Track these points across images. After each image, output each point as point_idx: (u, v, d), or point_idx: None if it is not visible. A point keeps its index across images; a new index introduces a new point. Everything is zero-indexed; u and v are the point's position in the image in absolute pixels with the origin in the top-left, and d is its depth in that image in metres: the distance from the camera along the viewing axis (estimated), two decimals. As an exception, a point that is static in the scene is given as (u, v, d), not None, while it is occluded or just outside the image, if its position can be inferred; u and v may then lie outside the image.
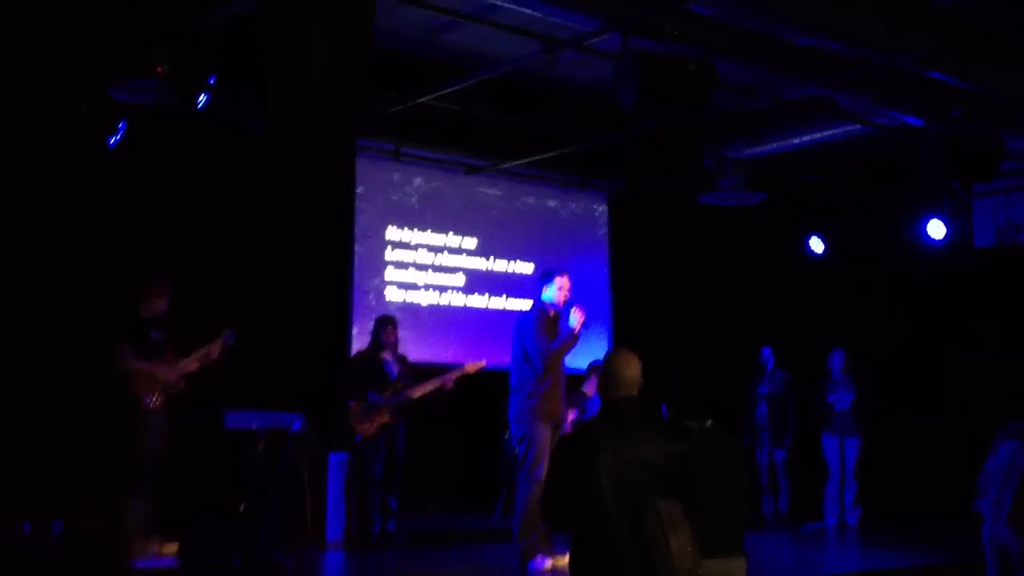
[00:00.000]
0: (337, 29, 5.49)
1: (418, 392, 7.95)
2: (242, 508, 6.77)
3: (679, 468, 3.89)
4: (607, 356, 4.23)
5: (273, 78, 5.58)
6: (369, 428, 7.77)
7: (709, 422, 4.46)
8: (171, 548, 6.91)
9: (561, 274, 6.93)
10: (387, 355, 8.07)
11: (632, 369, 4.08)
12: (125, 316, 7.01)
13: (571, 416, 8.12)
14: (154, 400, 6.87)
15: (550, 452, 4.20)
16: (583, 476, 3.79)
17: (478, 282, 10.37)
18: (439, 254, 10.18)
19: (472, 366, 8.12)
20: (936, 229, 9.74)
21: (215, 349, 7.16)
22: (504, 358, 7.38)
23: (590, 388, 8.66)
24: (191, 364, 7.11)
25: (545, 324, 6.78)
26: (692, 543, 3.78)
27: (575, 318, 6.68)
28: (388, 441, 7.86)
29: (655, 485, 3.81)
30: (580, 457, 3.84)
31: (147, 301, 7.04)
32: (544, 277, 6.97)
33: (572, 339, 6.68)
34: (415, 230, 10.04)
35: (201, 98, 6.13)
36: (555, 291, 6.86)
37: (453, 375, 8.03)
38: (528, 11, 6.47)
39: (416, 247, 10.05)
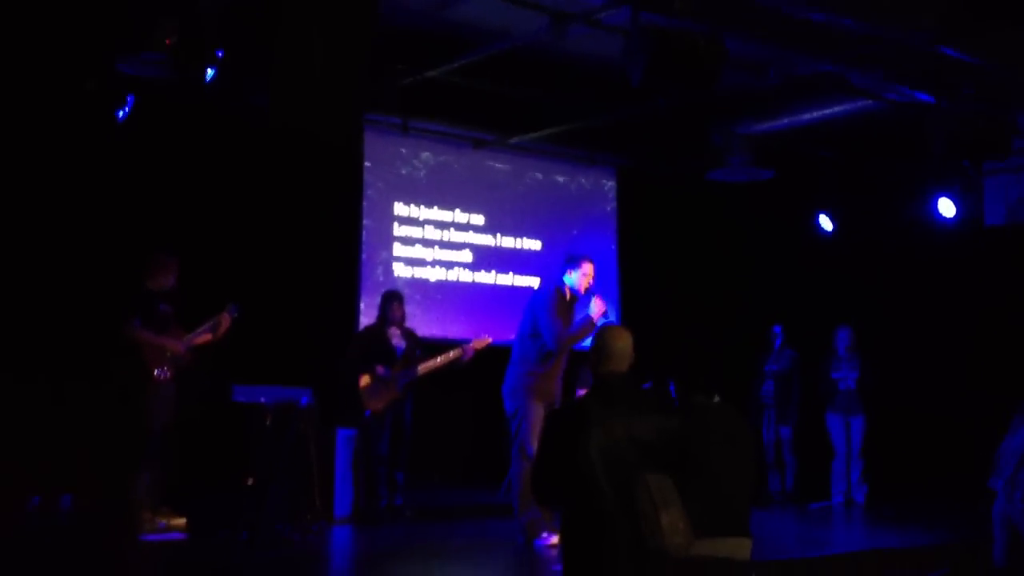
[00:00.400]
0: (341, 12, 5.46)
1: (427, 367, 7.96)
2: (250, 482, 6.81)
3: (671, 444, 3.88)
4: (599, 331, 4.20)
5: (276, 66, 5.56)
6: (378, 404, 7.79)
7: (716, 398, 4.44)
8: (179, 522, 6.94)
9: (588, 261, 6.88)
10: (394, 330, 8.08)
11: (622, 342, 4.06)
12: (134, 289, 7.01)
13: (580, 394, 8.12)
14: (163, 372, 6.89)
15: (541, 428, 4.19)
16: (573, 452, 3.77)
17: (485, 258, 10.36)
18: (446, 230, 10.16)
19: (479, 342, 8.13)
20: (946, 207, 9.70)
21: (224, 319, 7.15)
22: (510, 334, 7.37)
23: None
24: (201, 336, 7.12)
25: (561, 306, 6.73)
26: (684, 519, 3.76)
27: (595, 307, 6.63)
28: (395, 416, 7.88)
29: (646, 461, 3.79)
30: (570, 433, 3.82)
31: (155, 275, 7.04)
32: (570, 261, 6.91)
33: (589, 327, 6.61)
34: (422, 206, 10.03)
35: (208, 72, 6.11)
36: (579, 276, 6.81)
37: (460, 351, 8.03)
38: (537, -16, 6.43)
39: (423, 223, 10.04)
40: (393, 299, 8.15)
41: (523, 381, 6.70)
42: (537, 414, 6.58)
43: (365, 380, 7.81)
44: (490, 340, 8.20)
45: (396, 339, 8.05)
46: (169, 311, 7.06)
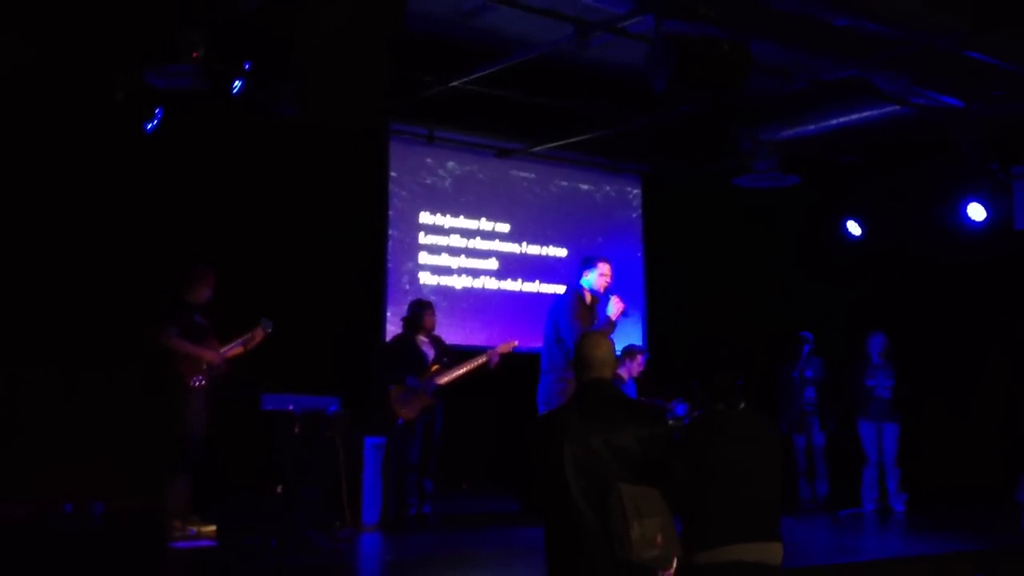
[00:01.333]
0: (369, 15, 5.50)
1: (456, 374, 7.98)
2: (279, 490, 6.84)
3: (651, 452, 3.80)
4: (578, 340, 4.15)
5: (306, 65, 5.61)
6: (410, 412, 7.81)
7: (741, 405, 4.42)
8: (209, 529, 6.98)
9: (604, 261, 6.91)
10: (422, 338, 8.10)
11: (601, 349, 3.99)
12: (170, 299, 7.08)
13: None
14: (199, 381, 6.94)
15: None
16: (551, 461, 3.73)
17: (511, 266, 10.38)
18: (472, 239, 10.19)
19: (505, 346, 8.14)
20: (976, 211, 9.61)
21: (258, 334, 7.22)
22: (537, 341, 7.37)
23: (625, 372, 8.66)
24: (235, 349, 7.18)
25: (580, 309, 6.76)
26: (664, 531, 3.67)
27: (614, 307, 6.65)
28: (426, 424, 7.89)
29: (625, 470, 3.72)
30: (547, 443, 3.78)
31: (193, 287, 7.11)
32: (586, 263, 6.95)
33: (610, 327, 6.65)
34: (448, 215, 10.06)
35: (236, 84, 6.17)
36: (596, 277, 6.84)
37: (487, 357, 8.04)
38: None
39: (449, 232, 10.07)
40: (426, 307, 8.16)
41: (555, 388, 6.71)
42: None
43: (396, 389, 7.83)
44: (516, 343, 8.21)
45: (425, 347, 8.08)
46: (205, 323, 7.13)
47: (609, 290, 6.81)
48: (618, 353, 8.82)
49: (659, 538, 3.66)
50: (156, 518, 6.93)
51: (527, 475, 3.91)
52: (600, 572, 3.68)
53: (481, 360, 8.04)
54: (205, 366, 7.01)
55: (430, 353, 8.06)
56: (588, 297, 6.84)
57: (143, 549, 6.69)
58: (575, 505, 3.70)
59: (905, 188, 10.27)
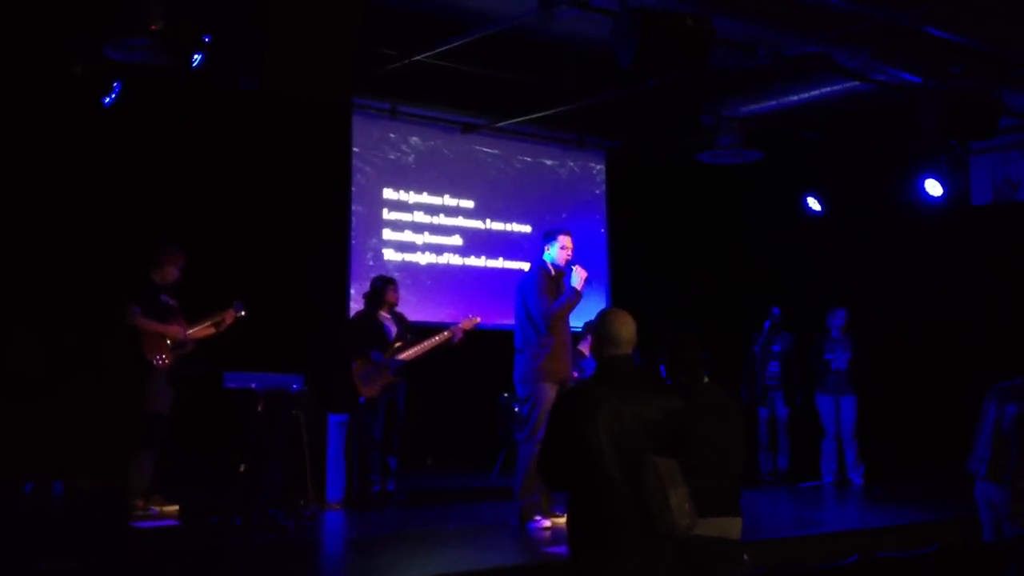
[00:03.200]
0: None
1: (419, 350, 7.96)
2: (242, 468, 6.80)
3: (675, 425, 3.90)
4: (602, 315, 4.20)
5: (268, 37, 5.54)
6: (373, 389, 7.79)
7: (705, 379, 4.46)
8: (171, 509, 6.95)
9: (564, 233, 6.92)
10: (385, 314, 8.07)
11: (628, 328, 4.08)
12: (136, 278, 7.02)
13: (575, 375, 8.13)
14: (162, 360, 6.89)
15: (549, 412, 4.19)
16: (582, 435, 3.79)
17: (475, 243, 10.36)
18: (436, 215, 10.16)
19: (467, 322, 8.13)
20: (933, 187, 9.72)
21: (229, 315, 7.19)
22: (502, 318, 7.38)
23: (586, 347, 8.68)
24: (205, 330, 7.14)
25: (547, 284, 6.76)
26: (689, 500, 3.80)
27: (577, 277, 6.68)
28: (388, 402, 7.88)
29: (652, 442, 3.82)
30: (579, 417, 3.84)
31: (160, 268, 7.06)
32: (547, 237, 6.96)
33: (575, 298, 6.68)
34: (411, 192, 10.02)
35: (196, 57, 6.08)
36: (557, 250, 6.85)
37: (450, 333, 8.03)
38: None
39: (413, 208, 10.03)
40: (388, 283, 8.13)
41: (531, 365, 6.71)
42: (549, 397, 6.59)
43: (359, 365, 7.80)
44: (479, 320, 8.21)
45: (388, 323, 8.05)
46: (172, 303, 7.08)
47: (571, 262, 6.82)
48: (579, 328, 8.91)
49: (687, 506, 3.77)
50: (117, 497, 6.88)
51: (554, 448, 3.95)
52: (634, 541, 3.76)
53: (444, 336, 8.03)
54: (169, 344, 6.96)
55: (393, 329, 8.03)
56: (553, 271, 6.85)
57: (104, 529, 6.64)
58: (608, 476, 3.76)
59: (864, 164, 10.37)
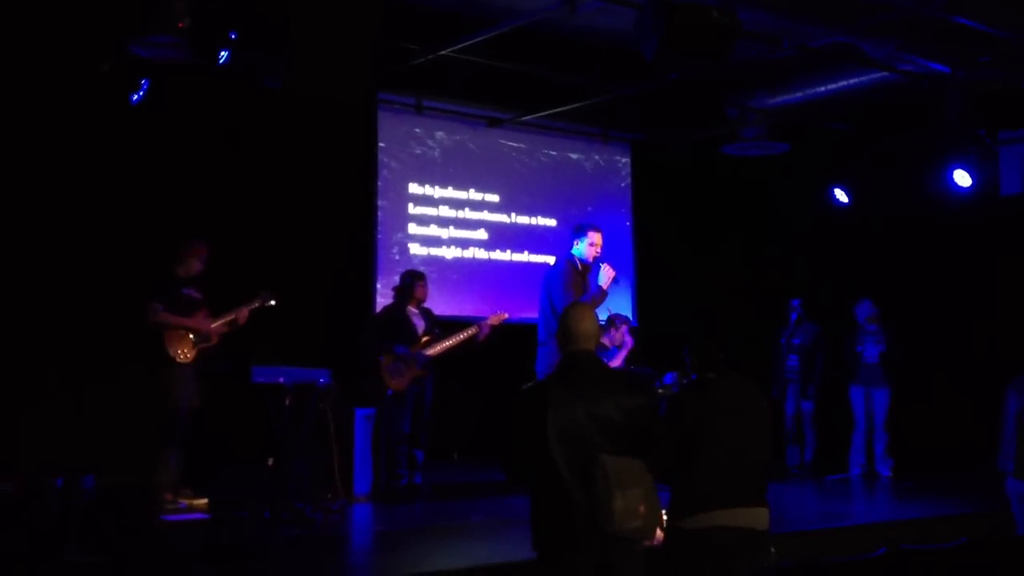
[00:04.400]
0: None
1: (447, 345, 7.98)
2: (270, 462, 6.85)
3: (636, 422, 3.81)
4: (563, 311, 4.13)
5: (293, 35, 5.57)
6: (400, 383, 7.82)
7: (731, 375, 4.44)
8: (200, 503, 7.00)
9: (594, 229, 6.89)
10: (413, 309, 8.09)
11: (587, 322, 3.99)
12: (159, 273, 7.07)
13: None
14: (184, 354, 6.94)
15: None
16: (535, 433, 3.74)
17: (501, 236, 10.37)
18: (461, 209, 10.18)
19: (495, 318, 8.14)
20: (962, 178, 9.63)
21: (242, 315, 7.24)
22: (527, 312, 7.37)
23: (609, 340, 8.68)
24: (220, 328, 7.19)
25: (573, 278, 6.74)
26: (647, 502, 3.70)
27: (605, 275, 6.65)
28: (416, 395, 7.90)
29: (607, 441, 3.74)
30: (531, 414, 3.78)
31: (183, 261, 7.11)
32: (577, 231, 6.93)
33: (601, 296, 6.65)
34: (437, 186, 10.04)
35: (222, 54, 6.12)
36: (586, 246, 6.82)
37: (477, 328, 8.05)
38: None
39: (439, 202, 10.05)
40: (417, 278, 8.14)
41: (553, 359, 6.69)
42: None
43: (386, 359, 7.83)
44: (506, 316, 8.21)
45: (415, 318, 8.07)
46: (195, 296, 7.12)
47: (599, 259, 6.79)
48: (603, 321, 8.91)
49: (641, 508, 3.69)
50: (147, 492, 6.94)
51: (510, 446, 3.93)
52: (584, 542, 3.71)
53: (471, 332, 8.05)
54: (192, 339, 7.00)
55: (420, 324, 8.05)
56: (580, 266, 6.83)
57: (134, 523, 6.70)
58: (559, 475, 3.71)
59: (892, 155, 10.27)
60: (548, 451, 3.71)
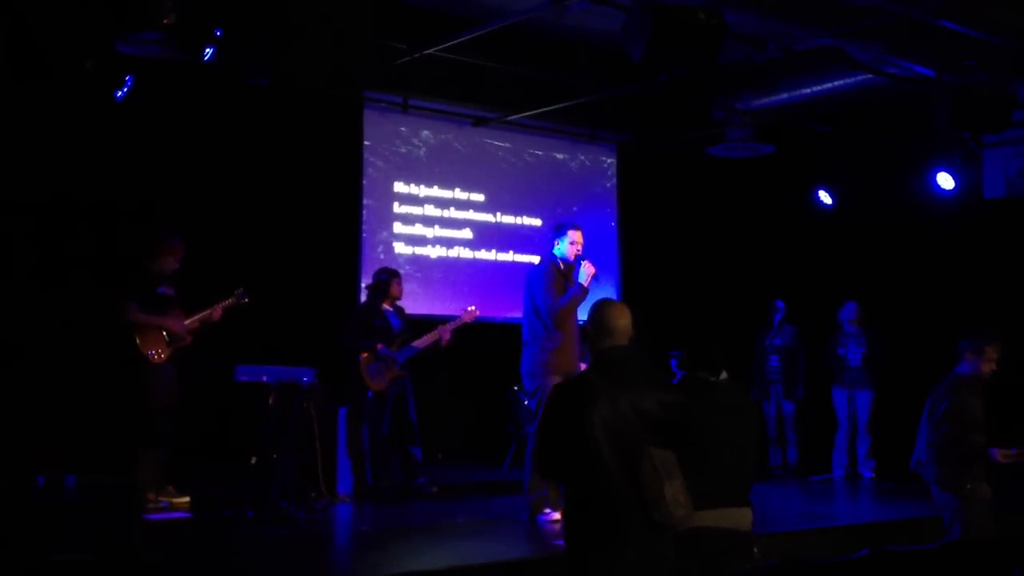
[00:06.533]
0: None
1: (423, 343, 7.97)
2: (254, 461, 6.83)
3: (673, 417, 3.88)
4: (598, 306, 4.14)
5: (279, 32, 5.56)
6: (380, 384, 7.80)
7: (723, 375, 4.45)
8: (183, 501, 6.98)
9: (574, 228, 6.87)
10: (387, 307, 8.06)
11: (625, 319, 4.05)
12: (133, 271, 7.02)
13: (582, 367, 8.12)
14: (158, 354, 6.90)
15: (545, 402, 4.17)
16: (578, 427, 3.77)
17: (486, 236, 10.36)
18: (447, 208, 10.16)
19: (468, 315, 8.12)
20: (946, 180, 9.68)
21: (216, 312, 7.19)
22: (511, 311, 7.36)
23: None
24: (193, 325, 7.14)
25: (555, 279, 6.73)
26: (685, 492, 3.78)
27: (585, 272, 6.65)
28: (396, 395, 7.88)
29: (649, 434, 3.80)
30: (574, 408, 3.82)
31: (158, 257, 7.05)
32: (557, 231, 6.91)
33: (582, 294, 6.64)
34: (422, 185, 10.02)
35: (208, 51, 6.10)
36: (567, 245, 6.80)
37: (450, 326, 8.04)
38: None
39: (424, 201, 10.03)
40: (393, 275, 8.12)
41: (538, 359, 6.69)
42: None
43: (366, 359, 7.81)
44: (476, 311, 8.17)
45: (391, 316, 8.04)
46: (169, 293, 7.07)
47: (580, 257, 6.78)
48: (584, 321, 8.91)
49: (683, 498, 3.77)
50: (129, 490, 6.91)
51: (547, 440, 3.95)
52: (631, 534, 3.76)
53: (433, 337, 8.01)
54: (166, 337, 6.96)
55: (396, 322, 8.03)
56: (562, 266, 6.82)
57: (116, 521, 6.67)
58: (604, 468, 3.76)
59: (876, 157, 10.32)
60: (592, 444, 3.75)
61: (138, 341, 6.87)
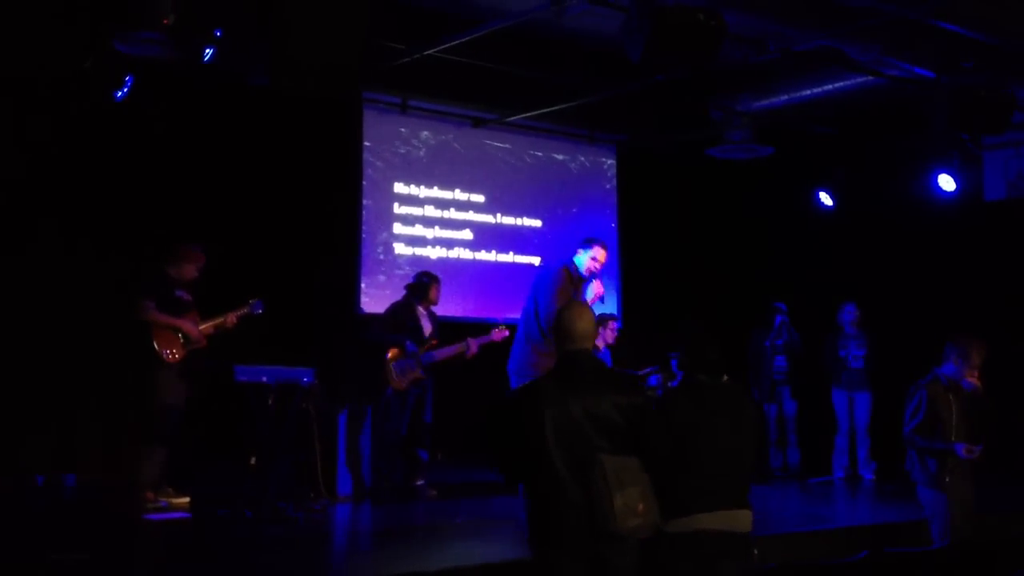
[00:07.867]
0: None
1: (449, 352, 8.01)
2: (253, 461, 6.83)
3: (630, 421, 3.81)
4: (560, 310, 4.11)
5: (278, 32, 5.55)
6: (402, 382, 7.80)
7: (724, 378, 4.43)
8: (182, 501, 6.98)
9: (602, 246, 6.81)
10: (422, 310, 8.07)
11: (584, 322, 3.98)
12: (151, 271, 7.04)
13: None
14: (172, 354, 6.92)
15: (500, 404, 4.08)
16: (529, 434, 3.74)
17: (486, 237, 10.36)
18: (446, 209, 10.16)
19: (498, 333, 8.17)
20: (946, 182, 9.68)
21: (230, 319, 7.23)
22: (511, 312, 7.35)
23: (600, 341, 8.70)
24: (208, 331, 7.17)
25: (563, 286, 6.64)
26: (644, 500, 3.72)
27: (592, 290, 6.63)
28: (416, 397, 7.89)
29: (604, 439, 3.75)
30: (527, 412, 3.78)
31: (178, 264, 7.09)
32: (585, 242, 6.85)
33: None
34: (422, 186, 10.02)
35: (207, 52, 6.09)
36: (587, 259, 6.76)
37: (479, 340, 8.08)
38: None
39: (424, 202, 10.03)
40: (434, 280, 8.14)
41: (529, 359, 6.67)
42: None
43: (393, 355, 7.80)
44: (506, 332, 8.15)
45: (424, 319, 8.06)
46: (187, 298, 7.11)
47: (595, 274, 6.76)
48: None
49: (640, 507, 3.70)
50: (128, 490, 6.90)
51: (505, 445, 3.91)
52: (582, 540, 3.71)
53: (459, 348, 8.07)
54: (181, 339, 6.98)
55: (427, 326, 8.04)
56: (575, 276, 6.77)
57: (115, 521, 6.67)
58: (556, 474, 3.71)
59: (876, 159, 10.31)
60: (545, 449, 3.71)
61: (153, 341, 6.88)
